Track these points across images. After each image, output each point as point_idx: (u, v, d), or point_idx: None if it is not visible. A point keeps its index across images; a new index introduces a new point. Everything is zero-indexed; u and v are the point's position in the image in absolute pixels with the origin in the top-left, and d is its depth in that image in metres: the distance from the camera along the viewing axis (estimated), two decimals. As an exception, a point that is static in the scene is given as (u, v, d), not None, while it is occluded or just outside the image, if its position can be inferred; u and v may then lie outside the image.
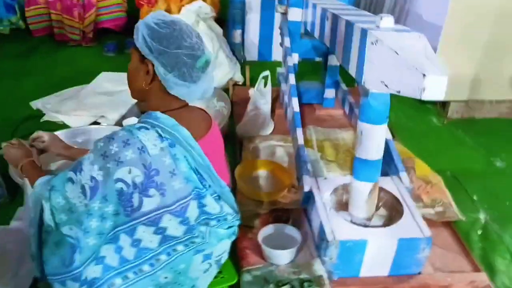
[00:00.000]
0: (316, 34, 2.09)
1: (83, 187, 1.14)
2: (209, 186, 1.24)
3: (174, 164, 1.16)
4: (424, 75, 1.11)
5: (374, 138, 1.47)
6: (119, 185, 1.12)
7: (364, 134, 1.47)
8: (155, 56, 1.18)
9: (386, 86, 1.26)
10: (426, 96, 1.12)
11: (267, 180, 2.04)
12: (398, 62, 1.19)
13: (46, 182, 1.26)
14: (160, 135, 1.16)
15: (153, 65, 1.19)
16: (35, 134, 1.63)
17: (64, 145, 1.65)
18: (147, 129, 1.16)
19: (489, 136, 2.64)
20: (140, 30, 1.19)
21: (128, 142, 1.13)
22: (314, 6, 2.11)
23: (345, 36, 1.57)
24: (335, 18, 1.72)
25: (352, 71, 1.48)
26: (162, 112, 1.21)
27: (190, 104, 1.32)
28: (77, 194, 1.15)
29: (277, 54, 3.41)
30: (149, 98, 1.26)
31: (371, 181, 1.53)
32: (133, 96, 1.32)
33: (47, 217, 1.23)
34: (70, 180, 1.16)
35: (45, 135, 1.62)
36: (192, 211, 1.21)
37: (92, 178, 1.13)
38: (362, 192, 1.54)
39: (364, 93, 1.42)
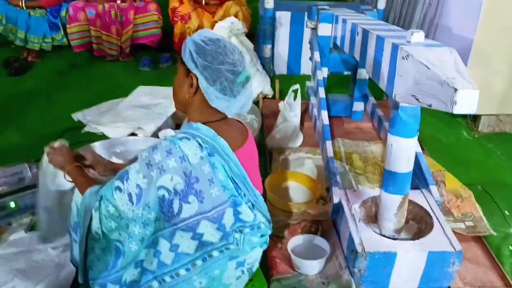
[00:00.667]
0: (346, 48, 2.13)
1: (130, 195, 1.22)
2: (244, 195, 1.29)
3: (212, 172, 1.21)
4: (455, 89, 1.13)
5: (404, 151, 1.48)
6: (161, 192, 1.19)
7: (394, 147, 1.49)
8: (199, 70, 1.24)
9: (417, 100, 1.28)
10: (457, 110, 1.14)
11: (296, 191, 2.07)
12: (429, 76, 1.22)
13: (95, 192, 1.33)
14: (200, 145, 1.22)
15: (197, 79, 1.26)
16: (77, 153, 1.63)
17: (107, 162, 1.71)
18: (188, 139, 1.23)
19: (521, 150, 2.60)
20: (188, 46, 1.26)
21: (171, 151, 1.20)
22: (344, 21, 2.16)
23: (376, 50, 1.60)
24: (366, 33, 1.76)
25: (383, 85, 1.51)
26: (203, 123, 1.28)
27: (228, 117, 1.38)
28: (125, 202, 1.23)
29: (305, 67, 3.45)
30: (192, 109, 1.32)
31: (400, 194, 1.54)
32: (177, 107, 1.39)
33: (96, 225, 1.31)
34: (118, 188, 1.24)
35: (88, 155, 1.62)
36: (228, 218, 1.26)
37: (138, 185, 1.20)
38: (392, 204, 1.56)
39: (394, 106, 1.45)
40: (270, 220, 1.40)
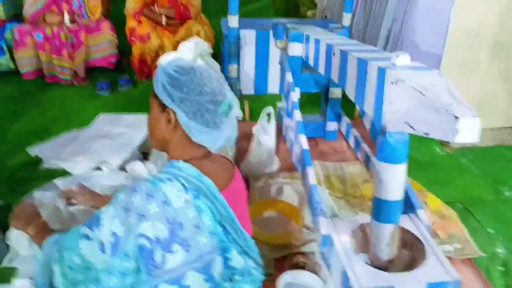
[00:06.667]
0: (321, 69, 2.06)
1: (101, 244, 1.07)
2: (234, 239, 1.17)
3: (198, 217, 1.09)
4: (456, 117, 1.07)
5: (395, 178, 1.41)
6: (142, 240, 1.06)
7: (384, 174, 1.41)
8: (176, 104, 1.14)
9: (411, 127, 1.22)
10: (459, 139, 1.08)
11: (278, 221, 1.96)
12: (425, 103, 1.16)
13: (54, 243, 1.19)
14: (184, 186, 1.10)
15: (175, 114, 1.14)
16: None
17: (90, 196, 1.62)
18: (171, 180, 1.11)
19: (494, 165, 2.63)
20: (160, 78, 1.15)
21: (152, 194, 1.07)
22: (317, 41, 2.09)
23: (358, 74, 1.53)
24: (344, 54, 1.69)
25: (369, 110, 1.44)
26: (185, 161, 1.16)
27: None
28: (95, 251, 1.08)
29: (272, 86, 3.39)
30: (172, 147, 1.21)
31: (392, 222, 1.47)
32: (155, 146, 1.27)
33: (58, 280, 1.15)
34: (86, 237, 1.09)
35: (78, 197, 1.59)
36: (217, 267, 1.14)
37: (113, 233, 1.06)
38: (384, 234, 1.48)
39: (382, 131, 1.38)
40: (262, 264, 1.28)
